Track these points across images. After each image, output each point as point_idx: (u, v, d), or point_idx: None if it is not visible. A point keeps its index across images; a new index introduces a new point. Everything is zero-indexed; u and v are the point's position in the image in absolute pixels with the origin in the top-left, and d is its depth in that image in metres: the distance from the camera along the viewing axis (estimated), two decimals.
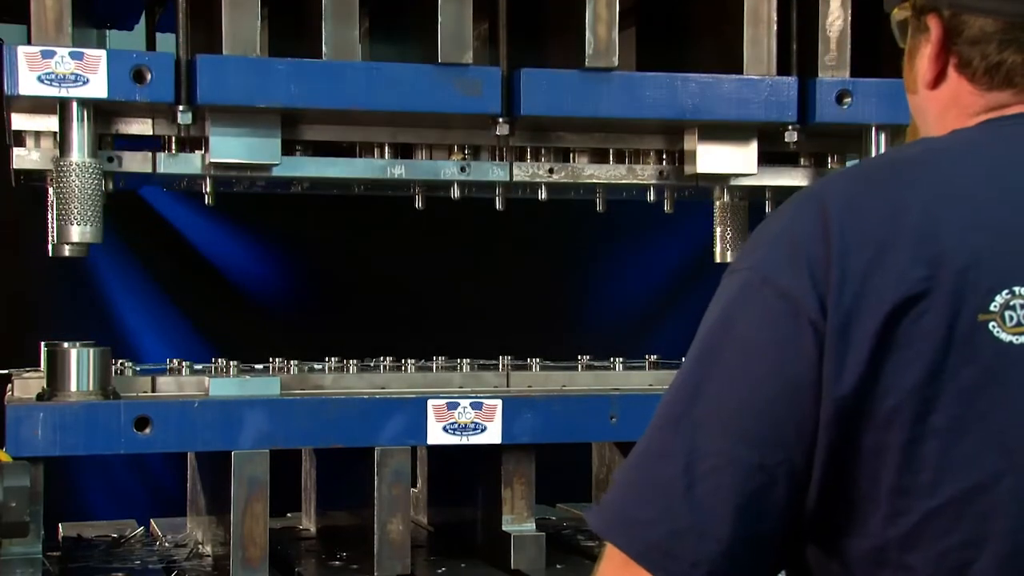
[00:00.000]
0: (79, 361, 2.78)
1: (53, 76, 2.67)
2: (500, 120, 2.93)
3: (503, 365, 3.20)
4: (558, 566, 3.01)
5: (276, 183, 3.14)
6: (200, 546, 3.23)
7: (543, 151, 3.15)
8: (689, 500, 1.52)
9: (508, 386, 3.14)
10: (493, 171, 3.10)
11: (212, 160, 2.86)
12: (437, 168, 3.07)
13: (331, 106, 2.85)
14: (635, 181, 3.21)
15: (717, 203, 3.42)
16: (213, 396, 2.86)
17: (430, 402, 2.88)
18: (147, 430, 2.74)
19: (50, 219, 2.80)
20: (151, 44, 3.54)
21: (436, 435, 2.89)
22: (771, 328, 1.54)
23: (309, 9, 2.94)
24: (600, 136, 3.17)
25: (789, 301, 1.53)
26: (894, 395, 1.50)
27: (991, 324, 1.50)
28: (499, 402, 2.92)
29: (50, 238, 2.80)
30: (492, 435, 2.92)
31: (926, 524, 1.51)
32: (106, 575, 2.99)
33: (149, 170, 2.93)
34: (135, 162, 2.92)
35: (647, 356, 3.30)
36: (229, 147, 2.86)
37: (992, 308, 1.51)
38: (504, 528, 2.99)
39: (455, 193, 3.12)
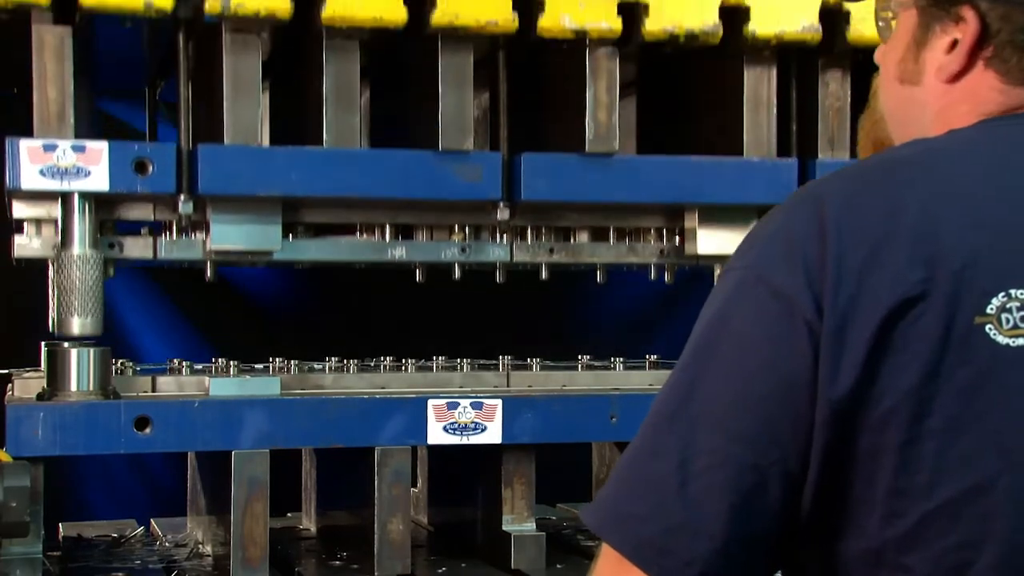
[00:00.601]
0: (79, 361, 2.80)
1: (55, 169, 2.70)
2: (500, 205, 2.96)
3: (503, 365, 3.21)
4: (558, 566, 3.02)
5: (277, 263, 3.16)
6: (200, 546, 3.24)
7: (543, 229, 3.16)
8: (683, 497, 1.52)
9: (508, 386, 3.15)
10: (493, 252, 3.12)
11: (213, 247, 2.88)
12: (438, 249, 3.10)
13: (332, 193, 2.89)
14: (636, 260, 3.23)
15: (717, 276, 3.42)
16: (213, 396, 2.87)
17: (430, 402, 2.90)
18: (147, 430, 2.75)
19: (50, 305, 2.83)
20: (153, 115, 3.56)
21: (436, 435, 2.90)
22: (765, 327, 1.54)
23: (310, 95, 2.96)
24: (601, 215, 3.18)
25: (784, 300, 1.54)
26: (890, 397, 1.50)
27: (987, 327, 1.51)
28: (499, 402, 2.93)
29: (50, 319, 2.83)
30: (492, 435, 2.93)
31: (923, 526, 1.52)
32: (106, 575, 3.01)
33: (150, 256, 2.96)
34: (136, 248, 2.95)
35: (647, 356, 3.31)
36: (230, 234, 2.89)
37: (989, 311, 1.51)
38: (504, 528, 3.01)
39: (456, 273, 3.14)
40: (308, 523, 3.53)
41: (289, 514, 3.59)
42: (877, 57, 1.85)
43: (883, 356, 1.51)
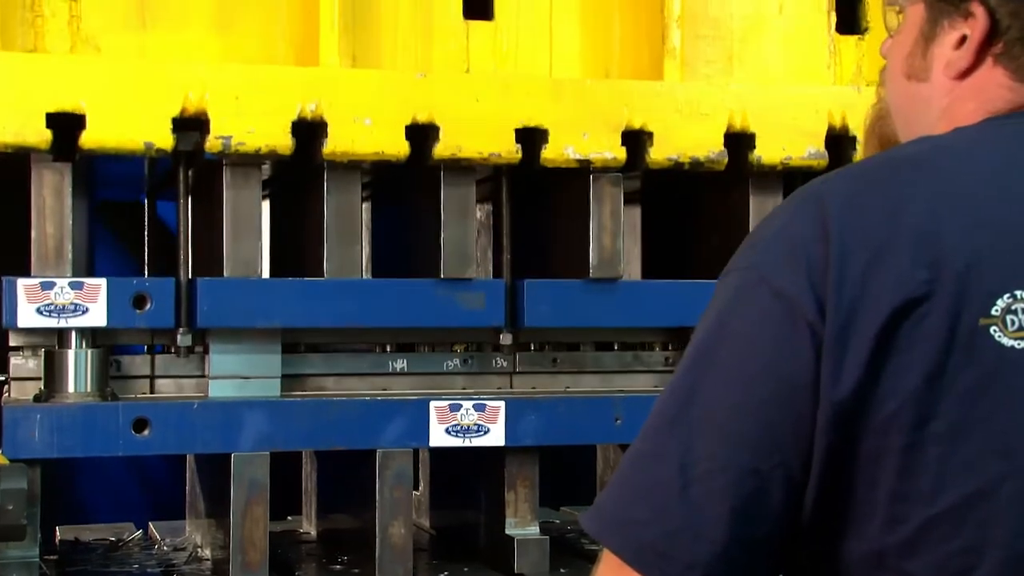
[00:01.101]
0: (77, 362, 2.81)
1: (52, 307, 2.71)
2: (504, 331, 2.97)
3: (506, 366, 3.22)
4: (562, 570, 3.03)
5: None
6: (199, 550, 3.25)
7: (547, 344, 3.18)
8: (684, 501, 1.53)
9: (512, 388, 3.16)
10: (496, 362, 3.13)
11: (212, 376, 2.90)
12: (440, 361, 3.11)
13: (333, 325, 2.91)
14: (642, 368, 3.24)
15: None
16: (212, 397, 2.88)
17: (432, 404, 2.91)
18: (146, 432, 2.76)
19: None
20: (152, 225, 3.57)
21: (438, 437, 2.91)
22: (767, 328, 1.55)
23: (310, 223, 2.99)
24: (605, 332, 3.21)
25: (786, 301, 1.54)
26: (893, 399, 1.51)
27: (992, 328, 1.52)
28: (502, 404, 2.94)
29: None
30: (495, 437, 2.94)
31: (926, 531, 1.53)
32: None
33: (148, 374, 2.97)
34: (134, 367, 2.96)
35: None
36: (229, 363, 2.90)
37: (994, 312, 1.52)
38: (507, 531, 3.01)
39: (460, 385, 3.15)
40: (308, 526, 3.54)
41: (289, 517, 3.60)
42: (883, 51, 1.85)
43: (886, 358, 1.51)
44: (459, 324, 2.96)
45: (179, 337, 2.81)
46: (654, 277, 3.23)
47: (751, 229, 3.06)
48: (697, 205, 3.31)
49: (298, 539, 3.45)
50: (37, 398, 2.82)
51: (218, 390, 2.89)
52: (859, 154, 3.04)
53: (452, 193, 2.93)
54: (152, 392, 2.98)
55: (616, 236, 2.98)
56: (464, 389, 3.11)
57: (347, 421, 2.87)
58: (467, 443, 2.92)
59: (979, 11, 1.68)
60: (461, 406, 2.92)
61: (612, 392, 3.14)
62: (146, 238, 3.69)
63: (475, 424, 2.92)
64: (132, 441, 2.76)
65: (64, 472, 4.34)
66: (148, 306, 2.76)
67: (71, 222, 2.79)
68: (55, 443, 2.72)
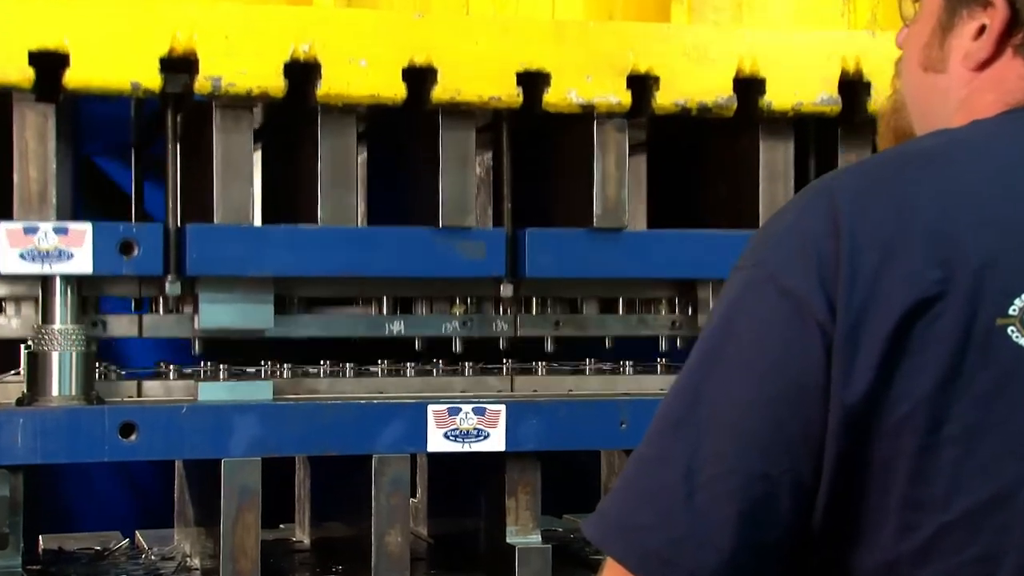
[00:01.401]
0: (61, 364, 2.81)
1: (36, 253, 2.72)
2: (504, 282, 2.98)
3: (507, 369, 3.23)
4: None
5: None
6: (188, 559, 3.26)
7: (549, 301, 3.19)
8: (689, 507, 1.54)
9: (512, 391, 3.17)
10: (497, 325, 3.15)
11: (201, 327, 2.91)
12: (438, 323, 3.13)
13: (327, 274, 2.93)
14: (647, 332, 3.25)
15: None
16: (202, 401, 2.89)
17: (430, 407, 2.91)
18: (132, 437, 2.77)
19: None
20: (140, 176, 3.59)
21: (437, 442, 2.92)
22: (775, 328, 1.56)
23: (305, 171, 2.99)
24: (609, 287, 3.21)
25: (795, 300, 1.55)
26: (906, 402, 1.52)
27: (1010, 328, 1.52)
28: (503, 407, 2.95)
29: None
30: (495, 442, 2.94)
31: (940, 538, 1.53)
32: None
33: (136, 334, 2.99)
34: (121, 326, 2.99)
35: (658, 359, 3.33)
36: (219, 314, 2.92)
37: (1011, 312, 1.53)
38: (508, 540, 3.02)
39: (457, 347, 3.15)
40: (302, 535, 3.55)
41: (282, 525, 3.61)
42: (898, 41, 1.86)
43: (899, 359, 1.52)
44: (458, 274, 2.97)
45: (167, 286, 2.81)
46: (660, 227, 3.22)
47: (760, 177, 3.09)
48: (704, 153, 3.32)
49: (291, 548, 3.46)
50: (20, 401, 2.83)
51: (208, 393, 2.90)
52: (874, 101, 3.05)
53: (451, 139, 2.94)
54: (139, 396, 2.99)
55: (621, 184, 2.99)
56: (464, 392, 3.12)
57: (342, 425, 2.88)
58: (466, 448, 2.93)
59: (999, 0, 1.69)
60: (460, 410, 2.93)
61: (617, 395, 3.15)
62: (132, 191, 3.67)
63: (475, 428, 2.93)
64: (119, 446, 2.76)
65: (48, 479, 4.35)
66: (135, 252, 2.77)
67: (55, 166, 2.79)
68: (39, 448, 2.72)
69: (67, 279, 2.81)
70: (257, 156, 3.09)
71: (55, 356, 2.81)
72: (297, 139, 3.04)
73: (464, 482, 3.25)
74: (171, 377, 3.06)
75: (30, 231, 2.72)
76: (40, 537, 3.49)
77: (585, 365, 3.33)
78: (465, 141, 2.95)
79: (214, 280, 2.89)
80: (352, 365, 3.16)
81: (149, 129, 3.44)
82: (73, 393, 2.81)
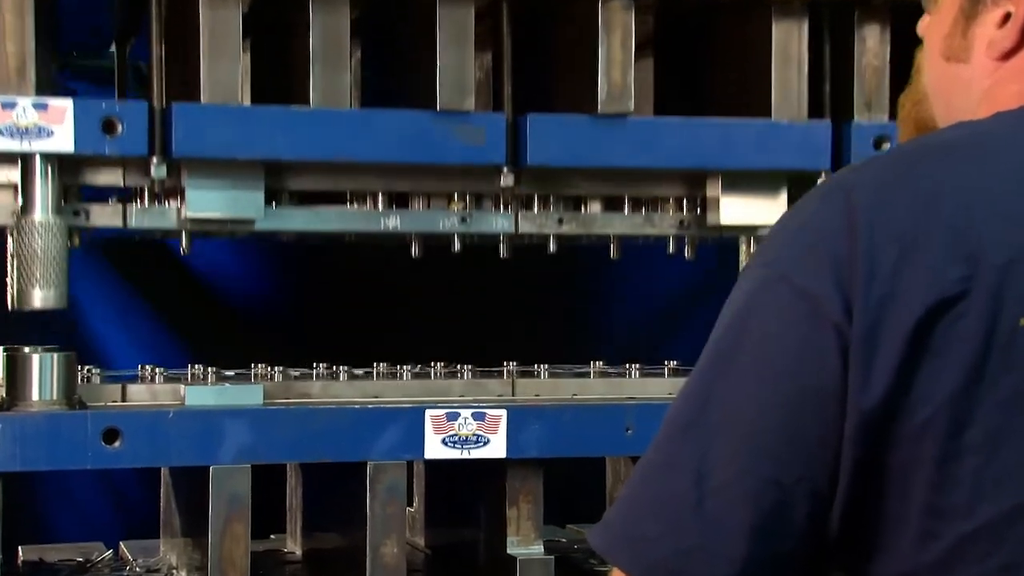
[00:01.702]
0: (41, 367, 2.81)
1: (14, 129, 2.71)
2: (504, 170, 2.97)
3: (508, 372, 3.23)
4: None
5: (259, 235, 3.17)
6: (174, 571, 3.26)
7: (551, 199, 3.17)
8: (699, 516, 1.54)
9: (513, 395, 3.17)
10: (497, 222, 3.13)
11: (188, 215, 2.90)
12: (435, 219, 3.10)
13: (320, 158, 2.90)
14: (653, 232, 3.24)
15: (742, 248, 3.45)
16: (189, 406, 2.89)
17: (428, 412, 2.91)
18: (116, 443, 2.77)
19: (9, 276, 2.84)
20: (123, 72, 3.56)
21: (434, 448, 2.92)
22: (789, 330, 1.56)
23: (296, 52, 2.98)
24: (614, 183, 3.19)
25: (809, 301, 1.55)
26: (926, 406, 1.52)
27: None
28: (504, 412, 2.95)
29: (9, 293, 2.84)
30: (496, 448, 2.94)
31: (961, 548, 1.53)
32: None
33: (120, 224, 2.97)
34: (104, 216, 2.95)
35: (666, 362, 3.33)
36: (207, 201, 2.89)
37: None
38: (509, 551, 3.02)
39: (455, 245, 3.16)
40: (293, 546, 3.55)
41: (272, 536, 3.61)
42: (920, 30, 1.86)
43: (919, 361, 1.52)
44: (456, 161, 2.96)
45: (153, 168, 2.80)
46: (667, 115, 3.21)
47: (772, 62, 3.09)
48: (714, 37, 3.30)
49: (282, 559, 3.46)
50: None
51: (196, 397, 2.90)
52: None
53: (448, 17, 2.93)
54: (123, 400, 2.99)
55: (627, 69, 2.98)
56: (463, 396, 3.12)
57: (335, 431, 2.88)
58: (465, 455, 2.93)
59: None
60: (459, 415, 2.93)
61: (622, 399, 3.15)
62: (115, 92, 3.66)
63: (474, 434, 2.93)
64: (101, 453, 2.76)
65: (27, 487, 4.35)
66: (119, 131, 2.75)
67: (34, 43, 2.78)
68: (17, 455, 2.72)
69: (47, 160, 2.78)
70: (247, 49, 3.07)
71: (35, 360, 2.80)
72: (287, 18, 3.02)
73: (463, 490, 3.26)
74: (157, 380, 3.05)
75: (8, 106, 2.71)
76: (20, 548, 3.49)
77: (589, 368, 3.32)
78: (464, 19, 2.93)
79: (202, 164, 2.87)
80: (346, 368, 3.16)
81: (131, 25, 3.44)
82: (54, 397, 2.81)
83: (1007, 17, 1.71)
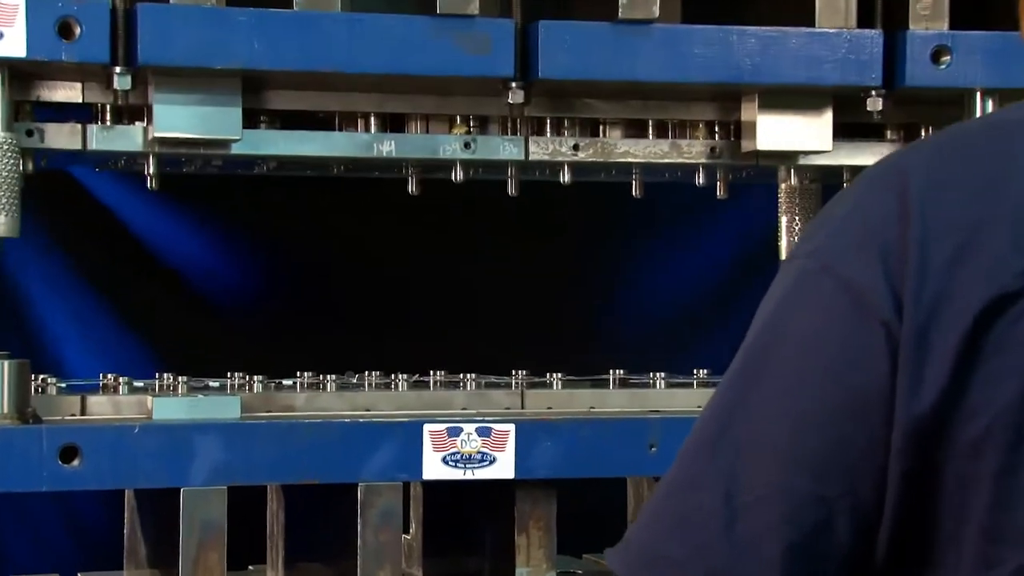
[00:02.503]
0: None
1: None
2: (513, 85, 2.97)
3: (516, 382, 3.24)
4: None
5: (236, 163, 3.17)
6: None
7: (566, 123, 3.17)
8: (730, 537, 1.54)
9: (523, 408, 3.18)
10: (504, 148, 3.13)
11: (156, 135, 2.90)
12: (435, 144, 3.11)
13: (304, 68, 2.90)
14: (680, 160, 3.23)
15: (782, 186, 3.46)
16: (157, 420, 2.90)
17: (426, 427, 2.92)
18: (75, 462, 2.78)
19: None
20: None
21: (433, 468, 2.93)
22: (832, 328, 1.56)
23: None
24: (637, 104, 3.19)
25: (855, 295, 1.55)
26: (985, 414, 1.52)
27: None
28: (512, 427, 2.96)
29: None
30: (503, 468, 2.95)
31: None
32: None
33: (79, 146, 2.96)
34: (61, 136, 2.96)
35: (694, 371, 3.34)
36: (177, 118, 2.90)
37: None
38: None
39: (458, 175, 3.14)
40: None
41: (251, 567, 3.62)
42: None
43: (976, 364, 1.52)
44: (459, 72, 2.96)
45: (116, 79, 2.81)
46: (697, 22, 3.20)
47: None
48: None
49: None
50: None
51: (164, 410, 2.91)
52: None
53: None
54: (83, 414, 3.00)
55: None
56: (466, 409, 3.13)
57: (322, 448, 2.89)
58: (469, 475, 2.94)
59: None
60: (461, 430, 2.94)
61: (645, 413, 3.16)
62: None
63: (478, 452, 2.94)
64: (59, 473, 2.77)
65: None
66: (77, 34, 2.77)
67: None
68: None
69: None
70: None
71: None
72: None
73: (466, 515, 3.26)
74: (120, 391, 3.06)
75: None
76: None
77: (608, 377, 3.33)
78: None
79: (171, 76, 2.88)
80: (334, 377, 3.17)
81: None
82: (4, 411, 2.82)
83: None
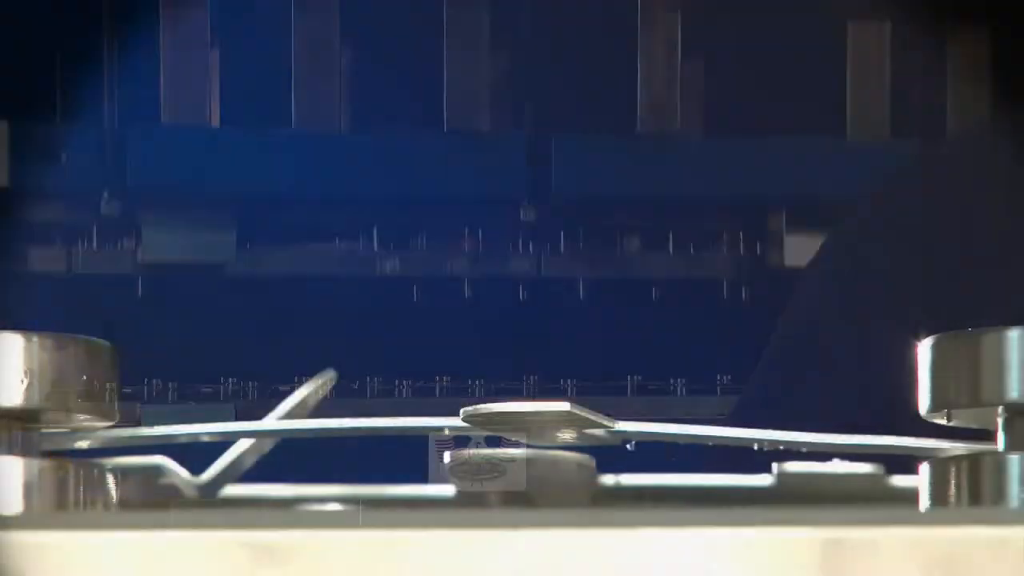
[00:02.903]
0: None
1: None
2: (524, 205, 2.97)
3: (528, 387, 3.22)
4: None
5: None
6: None
7: (581, 233, 3.16)
8: None
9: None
10: (514, 263, 3.12)
11: (145, 259, 2.89)
12: (441, 261, 3.10)
13: (303, 190, 2.92)
14: (703, 274, 3.24)
15: None
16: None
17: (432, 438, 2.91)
18: None
19: None
20: None
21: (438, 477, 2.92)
22: None
23: (274, 67, 2.98)
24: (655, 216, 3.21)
25: None
26: None
27: None
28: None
29: None
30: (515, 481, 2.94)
31: None
32: None
33: (63, 269, 2.97)
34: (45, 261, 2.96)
35: (718, 376, 3.32)
36: (168, 242, 2.89)
37: None
38: None
39: (466, 292, 3.14)
40: None
41: None
42: None
43: None
44: (468, 193, 2.98)
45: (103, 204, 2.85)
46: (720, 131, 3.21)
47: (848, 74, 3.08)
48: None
49: None
50: None
51: (152, 420, 2.90)
52: None
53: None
54: None
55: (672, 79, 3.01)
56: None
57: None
58: (476, 487, 2.93)
59: None
60: (469, 439, 2.92)
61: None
62: None
63: (487, 463, 2.93)
64: None
65: None
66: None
67: None
68: None
69: None
70: None
71: None
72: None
73: None
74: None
75: None
76: None
77: (626, 382, 3.31)
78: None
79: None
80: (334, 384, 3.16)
81: None
82: None
83: None
